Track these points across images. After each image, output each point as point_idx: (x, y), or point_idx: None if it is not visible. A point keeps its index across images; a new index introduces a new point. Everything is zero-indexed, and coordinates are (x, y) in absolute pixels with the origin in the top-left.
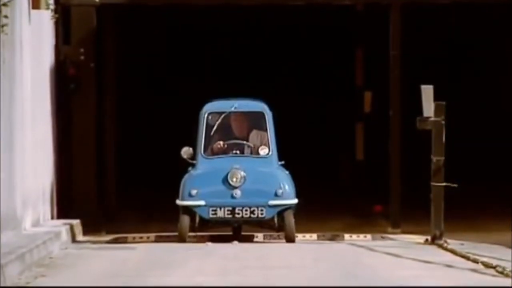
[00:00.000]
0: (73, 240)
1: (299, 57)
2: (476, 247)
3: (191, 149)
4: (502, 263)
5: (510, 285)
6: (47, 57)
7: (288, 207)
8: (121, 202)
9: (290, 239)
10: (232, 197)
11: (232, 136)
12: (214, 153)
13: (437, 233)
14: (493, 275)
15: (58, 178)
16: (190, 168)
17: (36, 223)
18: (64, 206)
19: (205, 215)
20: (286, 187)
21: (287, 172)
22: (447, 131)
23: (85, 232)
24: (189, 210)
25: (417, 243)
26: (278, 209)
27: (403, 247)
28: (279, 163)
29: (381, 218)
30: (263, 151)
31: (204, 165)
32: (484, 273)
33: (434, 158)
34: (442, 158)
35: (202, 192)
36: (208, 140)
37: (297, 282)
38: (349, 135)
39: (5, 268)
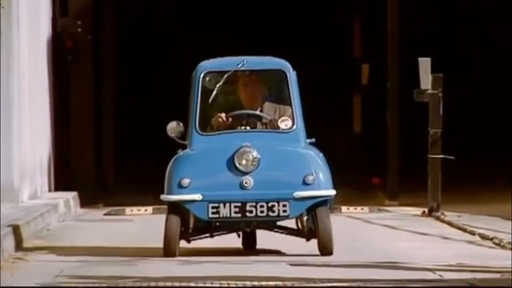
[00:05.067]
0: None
1: (295, 28)
2: (473, 219)
3: (181, 124)
4: (499, 235)
5: (507, 256)
6: (44, 29)
7: (323, 202)
8: (118, 174)
9: (326, 249)
10: (242, 187)
11: (239, 106)
12: (214, 129)
13: (434, 205)
14: (490, 247)
15: (56, 150)
16: (180, 150)
17: (33, 196)
18: (62, 178)
19: (202, 215)
20: (320, 172)
21: (320, 153)
22: (446, 104)
23: (82, 205)
24: (179, 209)
25: (414, 215)
26: (308, 203)
27: (400, 219)
28: (308, 140)
29: (378, 190)
30: (284, 123)
31: (200, 145)
32: (481, 245)
33: (431, 131)
34: (439, 131)
35: (197, 182)
36: (205, 111)
37: (295, 256)
38: (347, 107)
39: (3, 240)
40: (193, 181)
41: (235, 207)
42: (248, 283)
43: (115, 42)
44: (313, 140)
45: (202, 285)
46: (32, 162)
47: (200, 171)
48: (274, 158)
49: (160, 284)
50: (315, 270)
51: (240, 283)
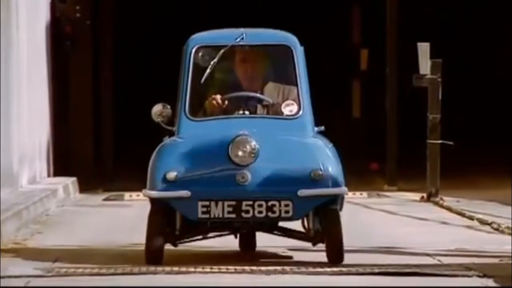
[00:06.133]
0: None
1: (294, 13)
2: (472, 204)
3: (168, 107)
4: (498, 220)
5: (506, 241)
6: (43, 15)
7: (331, 201)
8: (118, 160)
9: (335, 257)
10: (237, 183)
11: (237, 87)
12: (207, 113)
13: (433, 190)
14: (489, 232)
15: (55, 136)
16: (166, 138)
17: (32, 181)
18: (61, 164)
19: (191, 215)
20: (329, 166)
21: (329, 144)
22: (446, 89)
23: (81, 190)
24: (164, 207)
25: (413, 200)
26: (315, 203)
27: (399, 205)
28: (317, 129)
29: (377, 175)
30: (288, 108)
31: (189, 132)
32: (480, 230)
33: (430, 116)
34: (438, 116)
35: (185, 176)
36: (197, 92)
37: (294, 242)
38: (346, 93)
39: (3, 225)
40: (180, 175)
41: (229, 206)
42: (247, 268)
43: (114, 27)
44: (322, 128)
45: (201, 269)
46: (31, 147)
47: (188, 163)
48: (276, 150)
49: (160, 268)
50: (314, 255)
51: (239, 268)
